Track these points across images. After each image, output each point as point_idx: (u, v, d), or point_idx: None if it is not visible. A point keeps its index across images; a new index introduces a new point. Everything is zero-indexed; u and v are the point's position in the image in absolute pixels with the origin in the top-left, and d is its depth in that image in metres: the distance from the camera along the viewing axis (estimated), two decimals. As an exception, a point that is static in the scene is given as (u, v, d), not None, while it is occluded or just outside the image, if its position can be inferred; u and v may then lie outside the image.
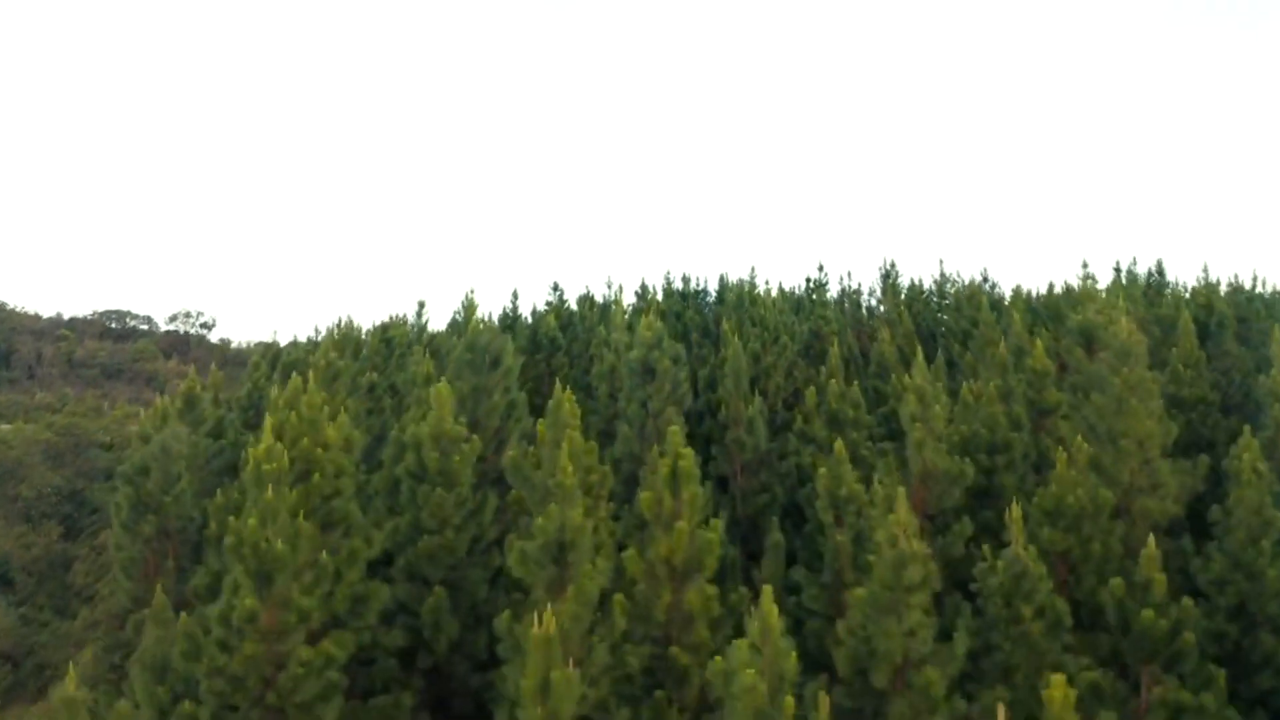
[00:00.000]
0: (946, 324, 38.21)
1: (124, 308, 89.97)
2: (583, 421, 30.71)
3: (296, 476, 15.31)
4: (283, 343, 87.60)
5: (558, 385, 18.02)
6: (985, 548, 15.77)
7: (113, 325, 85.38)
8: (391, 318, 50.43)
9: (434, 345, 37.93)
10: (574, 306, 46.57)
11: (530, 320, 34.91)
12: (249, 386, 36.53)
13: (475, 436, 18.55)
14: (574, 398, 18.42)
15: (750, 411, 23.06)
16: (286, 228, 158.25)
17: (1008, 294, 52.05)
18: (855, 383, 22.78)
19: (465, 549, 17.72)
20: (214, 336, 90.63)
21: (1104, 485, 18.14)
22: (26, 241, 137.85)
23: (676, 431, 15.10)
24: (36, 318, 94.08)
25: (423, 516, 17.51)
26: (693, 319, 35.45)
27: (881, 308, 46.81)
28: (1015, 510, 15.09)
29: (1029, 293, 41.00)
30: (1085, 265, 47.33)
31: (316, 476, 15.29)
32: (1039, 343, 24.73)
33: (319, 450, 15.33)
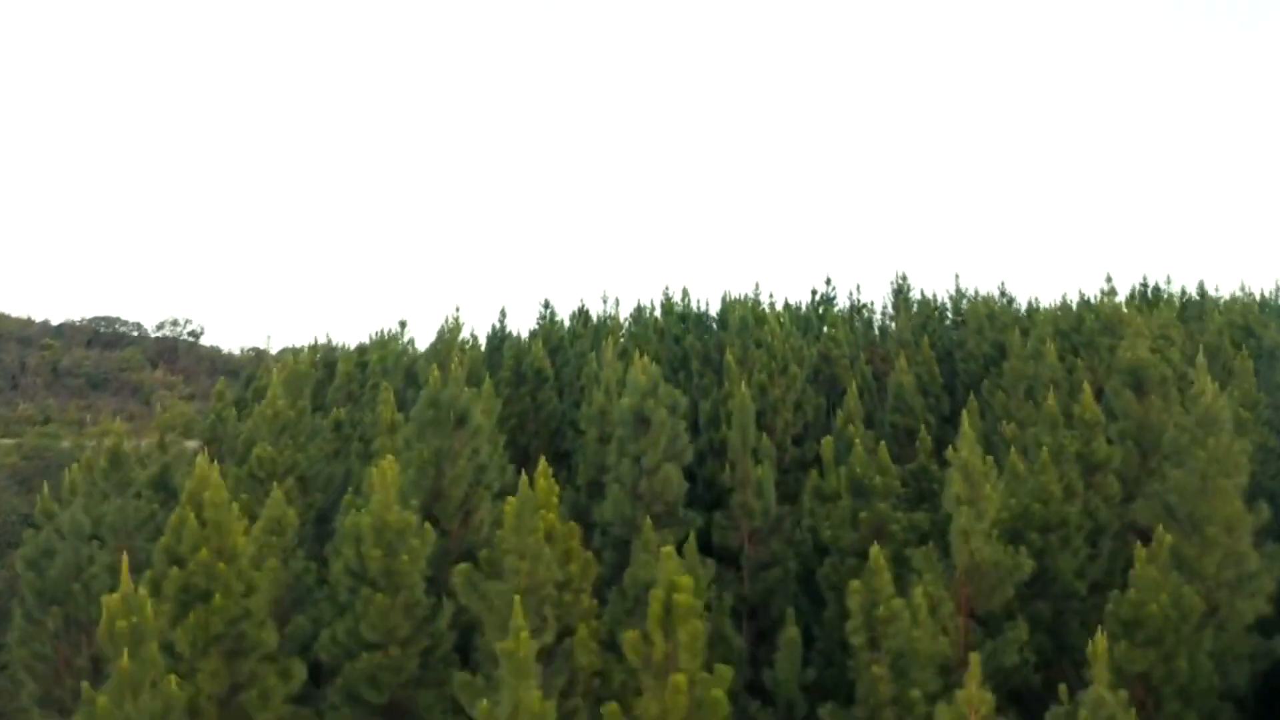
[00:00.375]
0: (966, 347, 34.64)
1: (115, 313, 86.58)
2: (570, 468, 27.50)
3: (194, 597, 11.94)
4: (275, 349, 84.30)
5: (523, 479, 14.58)
6: (1062, 689, 12.34)
7: (102, 330, 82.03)
8: (374, 336, 47.02)
9: (415, 370, 34.59)
10: (567, 322, 43.30)
11: (518, 341, 31.27)
12: (212, 418, 33.20)
13: (428, 526, 15.12)
14: (550, 481, 15.02)
15: (760, 473, 19.64)
16: (285, 228, 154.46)
17: (1021, 304, 48.91)
18: (881, 443, 19.25)
19: (416, 665, 14.34)
20: (205, 342, 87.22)
21: (1187, 583, 14.75)
22: (19, 246, 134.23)
23: (671, 553, 11.69)
24: (29, 322, 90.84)
25: (363, 626, 14.12)
26: (693, 345, 31.99)
27: (893, 324, 43.36)
28: (1100, 642, 11.65)
29: (1054, 310, 37.49)
30: (1109, 280, 43.86)
31: (218, 598, 11.91)
32: (1086, 387, 21.22)
33: (220, 566, 11.93)
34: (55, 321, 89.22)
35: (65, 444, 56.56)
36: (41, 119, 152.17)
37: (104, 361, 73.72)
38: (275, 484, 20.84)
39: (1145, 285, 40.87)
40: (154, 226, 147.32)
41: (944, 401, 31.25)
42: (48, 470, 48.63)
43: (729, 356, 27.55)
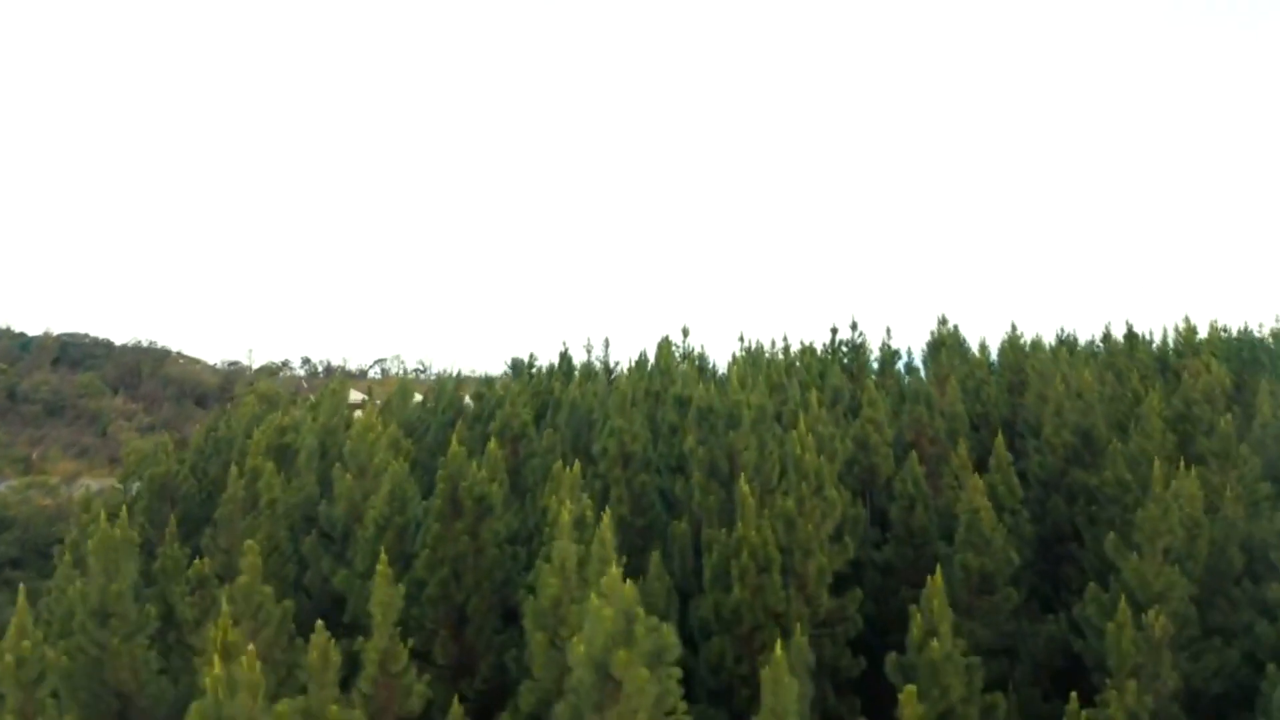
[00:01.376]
0: (1041, 433, 25.49)
1: (91, 326, 78.20)
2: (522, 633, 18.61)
3: None
4: (256, 364, 75.04)
5: None
6: None
7: (69, 346, 73.34)
8: (323, 387, 38.28)
9: (332, 464, 25.52)
10: (545, 372, 34.39)
11: (459, 452, 21.90)
12: (75, 533, 24.39)
13: None
14: None
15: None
16: (275, 236, 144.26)
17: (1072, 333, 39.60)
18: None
19: None
20: (188, 353, 78.44)
21: None
22: (11, 254, 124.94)
23: None
24: (7, 332, 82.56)
25: None
26: (694, 451, 22.88)
27: (920, 375, 34.16)
28: None
29: (1151, 378, 28.26)
30: (1187, 320, 34.27)
31: None
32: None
33: None
34: (32, 333, 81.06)
35: (-9, 495, 48.02)
36: (37, 123, 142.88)
37: (64, 385, 65.03)
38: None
39: (1238, 339, 31.53)
40: (139, 232, 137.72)
41: (1024, 523, 22.37)
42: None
43: (743, 486, 18.71)
